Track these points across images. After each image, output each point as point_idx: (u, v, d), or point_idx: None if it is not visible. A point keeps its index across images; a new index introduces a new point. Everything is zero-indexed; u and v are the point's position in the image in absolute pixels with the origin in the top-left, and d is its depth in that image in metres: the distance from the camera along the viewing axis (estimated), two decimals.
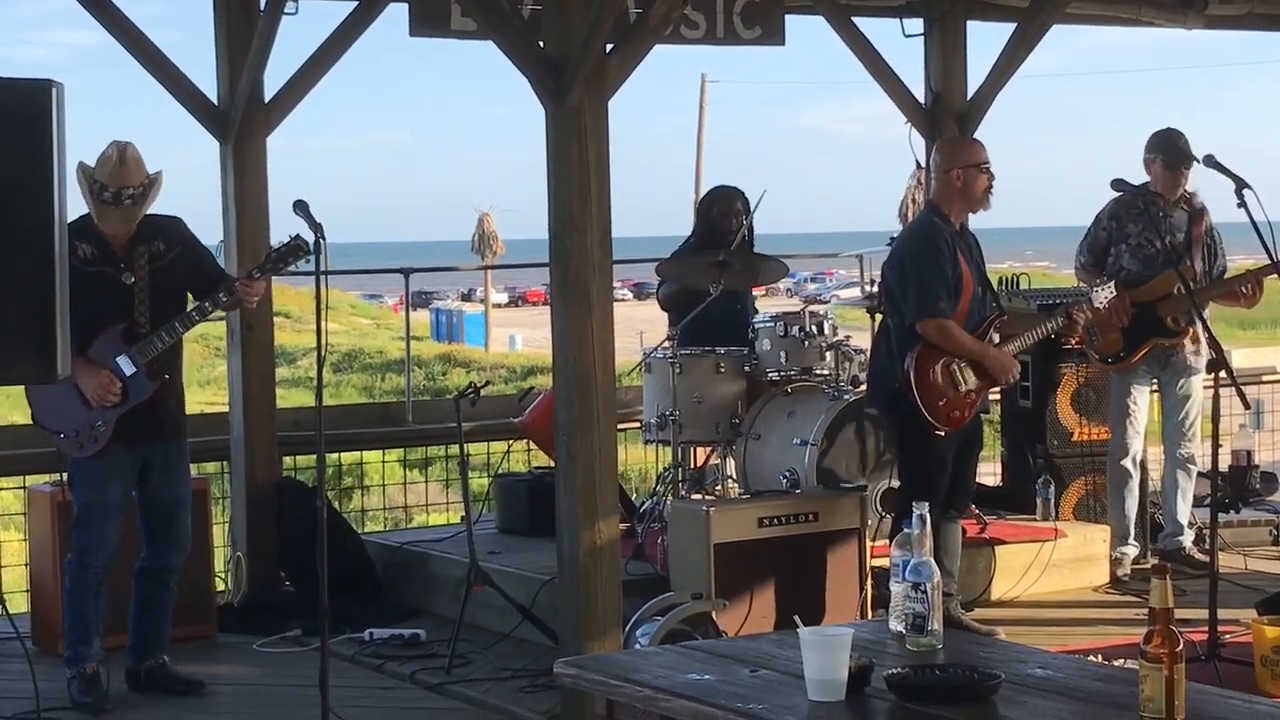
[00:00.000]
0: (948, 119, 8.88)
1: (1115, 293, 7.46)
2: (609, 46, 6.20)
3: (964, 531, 7.42)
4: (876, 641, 4.32)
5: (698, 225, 8.64)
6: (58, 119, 3.65)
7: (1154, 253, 7.86)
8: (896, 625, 4.33)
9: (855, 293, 9.21)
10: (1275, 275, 7.39)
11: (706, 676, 4.09)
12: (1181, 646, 3.50)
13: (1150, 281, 7.90)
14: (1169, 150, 7.95)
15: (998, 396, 8.86)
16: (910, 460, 7.05)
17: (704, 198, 8.85)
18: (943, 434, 6.89)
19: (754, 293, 8.91)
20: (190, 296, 6.51)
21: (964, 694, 3.83)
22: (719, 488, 7.99)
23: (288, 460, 8.78)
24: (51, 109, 3.64)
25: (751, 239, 8.45)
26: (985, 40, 9.37)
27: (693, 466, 8.21)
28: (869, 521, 7.21)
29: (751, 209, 8.41)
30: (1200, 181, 8.02)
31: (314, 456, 6.34)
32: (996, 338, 7.11)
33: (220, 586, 8.01)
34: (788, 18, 8.94)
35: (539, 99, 6.21)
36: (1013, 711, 3.73)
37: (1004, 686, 3.84)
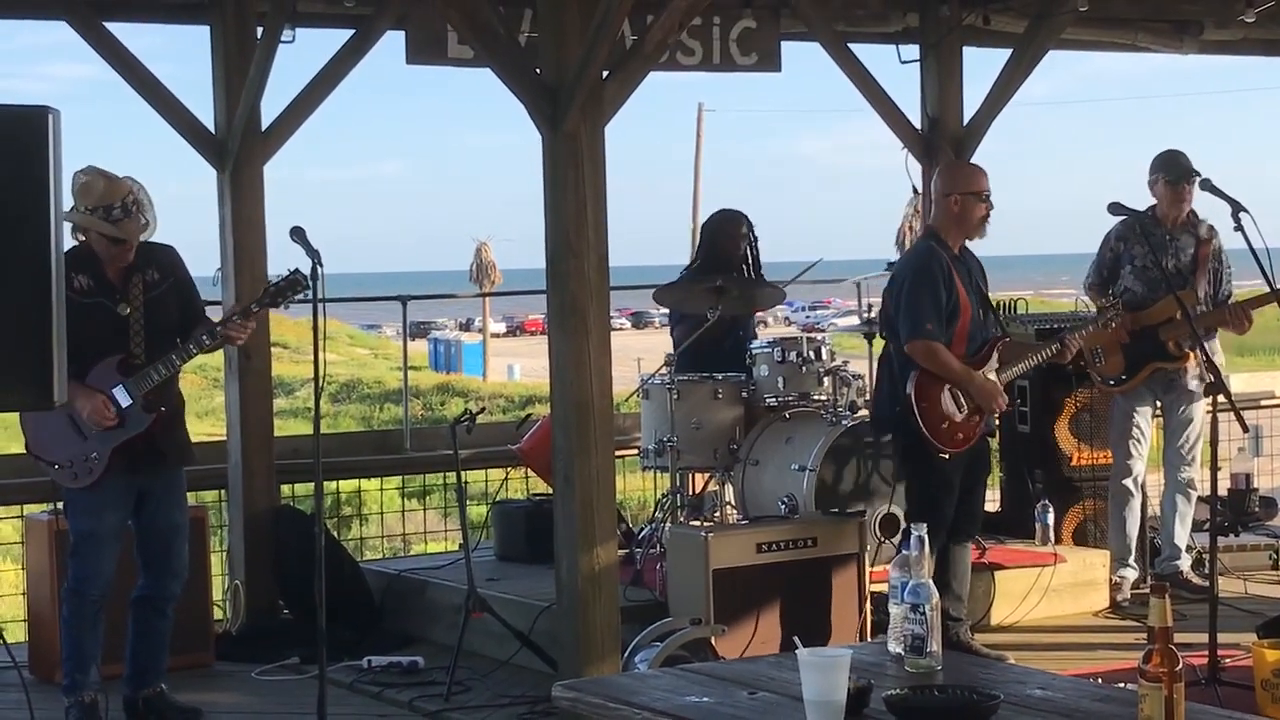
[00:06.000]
0: (944, 145, 8.90)
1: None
2: (605, 73, 6.22)
3: None
4: (875, 663, 4.31)
5: (701, 250, 8.59)
6: (54, 146, 3.62)
7: (1158, 275, 7.87)
8: (895, 647, 4.32)
9: (854, 320, 9.21)
10: (1275, 304, 7.35)
11: (705, 699, 4.08)
12: (1181, 665, 3.49)
13: (1153, 305, 7.93)
14: (1170, 168, 7.99)
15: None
16: (917, 484, 7.05)
17: (707, 221, 8.74)
18: (947, 456, 6.89)
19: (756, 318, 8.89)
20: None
21: (963, 714, 3.82)
22: (717, 514, 7.98)
23: (286, 489, 8.77)
24: (48, 135, 3.61)
25: (758, 263, 8.42)
26: (981, 66, 9.38)
27: (691, 493, 8.20)
28: (868, 546, 7.20)
29: (755, 235, 8.39)
30: (1206, 207, 8.04)
31: (312, 485, 6.33)
32: (997, 361, 7.12)
33: (218, 615, 8.01)
34: (784, 44, 8.98)
35: (536, 125, 6.23)
36: None
37: (1003, 707, 3.82)
